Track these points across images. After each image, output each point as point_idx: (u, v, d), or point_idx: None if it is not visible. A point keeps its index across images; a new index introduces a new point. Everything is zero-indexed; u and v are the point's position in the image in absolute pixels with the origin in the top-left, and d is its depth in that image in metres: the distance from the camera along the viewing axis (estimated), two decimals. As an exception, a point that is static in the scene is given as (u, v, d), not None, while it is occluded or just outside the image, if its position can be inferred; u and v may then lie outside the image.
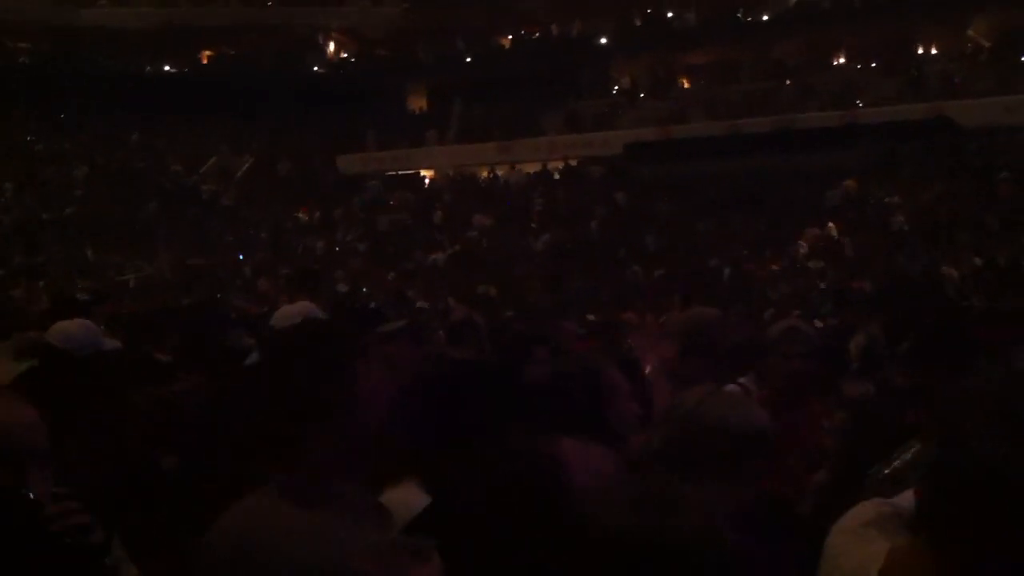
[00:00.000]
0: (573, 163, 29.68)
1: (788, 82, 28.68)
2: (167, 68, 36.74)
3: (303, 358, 2.59)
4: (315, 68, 37.55)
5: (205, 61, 37.44)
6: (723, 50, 30.60)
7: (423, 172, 33.41)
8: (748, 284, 18.68)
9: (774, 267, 20.50)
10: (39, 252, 24.21)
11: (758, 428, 2.41)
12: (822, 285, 17.56)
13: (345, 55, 38.39)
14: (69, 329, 4.14)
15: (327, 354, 2.45)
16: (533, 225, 26.15)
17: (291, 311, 4.28)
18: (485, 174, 31.58)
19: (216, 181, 32.05)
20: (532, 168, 30.52)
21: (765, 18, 30.47)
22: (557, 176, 29.70)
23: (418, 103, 36.85)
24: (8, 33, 35.77)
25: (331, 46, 38.56)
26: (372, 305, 15.48)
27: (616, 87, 33.16)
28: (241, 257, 26.07)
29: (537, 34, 34.87)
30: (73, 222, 27.59)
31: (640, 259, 21.79)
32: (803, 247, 20.98)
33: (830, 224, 21.67)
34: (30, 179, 29.95)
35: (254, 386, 3.60)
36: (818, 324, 9.48)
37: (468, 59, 34.93)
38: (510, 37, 35.33)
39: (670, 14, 32.26)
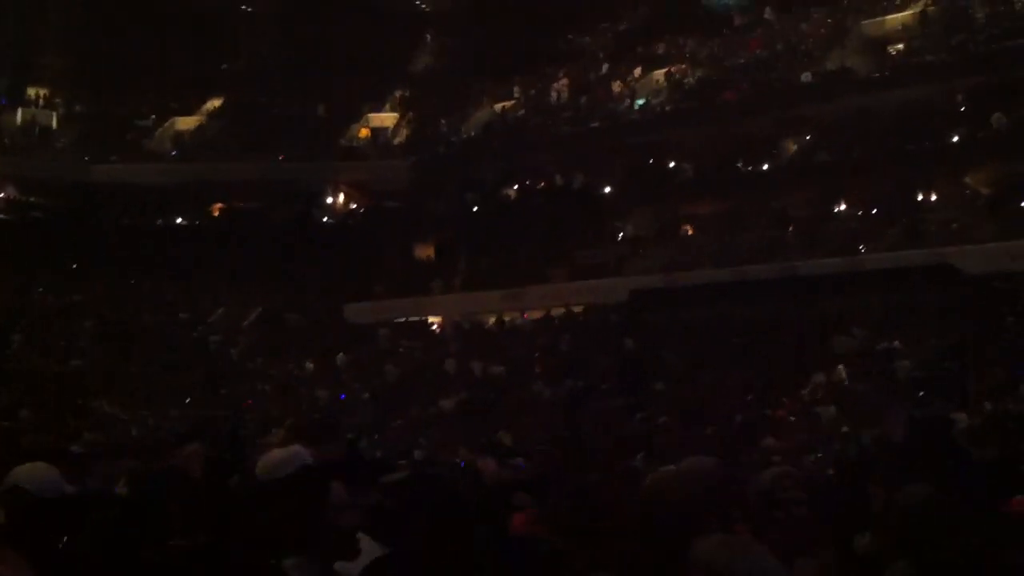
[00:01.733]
0: (578, 310, 29.84)
1: (791, 229, 29.05)
2: (179, 221, 37.41)
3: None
4: (324, 220, 38.26)
5: (216, 214, 38.13)
6: (726, 199, 31.11)
7: (431, 319, 33.60)
8: (757, 430, 18.48)
9: (784, 413, 20.34)
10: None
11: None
12: (844, 429, 17.39)
13: (354, 207, 39.12)
14: (34, 471, 4.07)
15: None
16: (538, 371, 26.12)
17: (279, 457, 4.15)
18: (492, 321, 31.74)
19: (224, 332, 32.20)
20: (538, 315, 30.70)
21: (766, 168, 31.09)
22: (561, 323, 29.81)
23: (425, 252, 37.34)
24: (23, 188, 36.62)
25: (340, 198, 39.33)
26: (378, 454, 15.36)
27: (621, 235, 33.63)
28: (250, 402, 26.00)
29: (542, 184, 35.58)
30: (80, 374, 27.65)
31: (647, 406, 21.64)
32: (812, 392, 20.87)
33: (839, 367, 21.60)
34: (38, 331, 30.18)
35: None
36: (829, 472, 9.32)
37: (474, 209, 35.59)
38: (516, 187, 36.04)
39: (672, 164, 32.96)
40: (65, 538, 3.88)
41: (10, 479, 4.03)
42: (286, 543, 3.62)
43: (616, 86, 36.55)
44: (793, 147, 30.92)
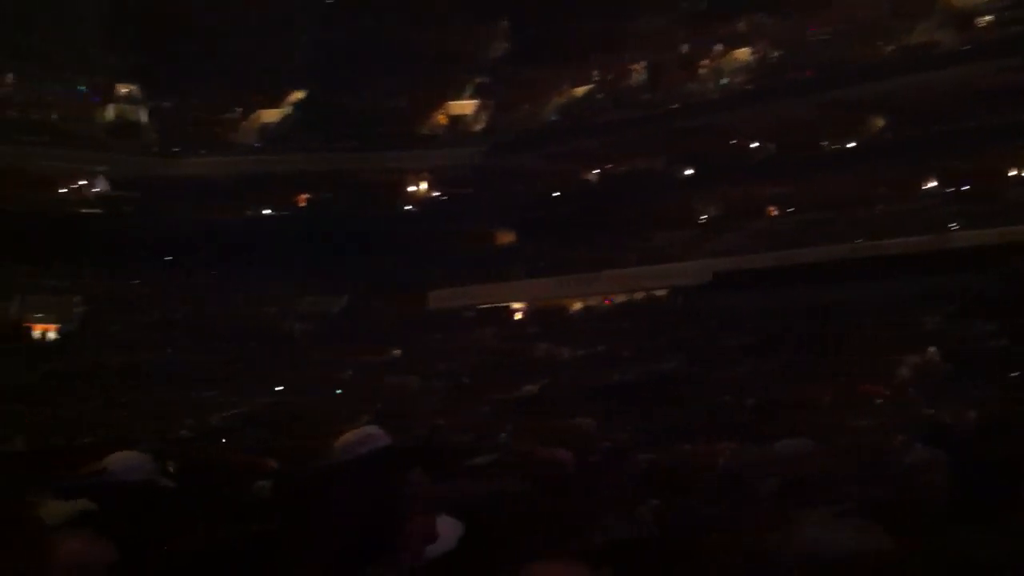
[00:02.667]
0: (661, 293, 29.73)
1: (877, 208, 28.54)
2: (265, 212, 38.15)
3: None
4: (406, 208, 38.66)
5: (301, 205, 38.78)
6: (809, 178, 30.66)
7: (512, 305, 33.77)
8: (847, 411, 18.22)
9: (874, 394, 20.01)
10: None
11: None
12: (931, 411, 17.04)
13: (435, 194, 39.44)
14: (127, 458, 4.20)
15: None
16: (626, 355, 26.05)
17: (353, 438, 4.25)
18: (573, 306, 31.78)
19: (310, 321, 32.77)
20: (620, 299, 30.66)
21: (850, 145, 30.55)
22: (642, 306, 29.73)
23: (506, 238, 37.48)
24: (114, 182, 37.68)
25: (421, 186, 39.68)
26: (462, 439, 15.53)
27: (703, 217, 33.38)
28: (339, 392, 26.44)
29: (622, 168, 35.47)
30: (171, 364, 28.42)
31: (730, 389, 21.47)
32: (904, 373, 20.50)
33: (931, 349, 21.19)
34: (132, 322, 31.12)
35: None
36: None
37: (554, 194, 35.65)
38: (595, 172, 35.96)
39: (754, 144, 32.58)
40: (152, 524, 4.01)
41: (103, 464, 4.18)
42: (362, 523, 3.69)
43: (695, 66, 36.22)
44: (880, 123, 30.33)
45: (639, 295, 30.36)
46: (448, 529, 3.45)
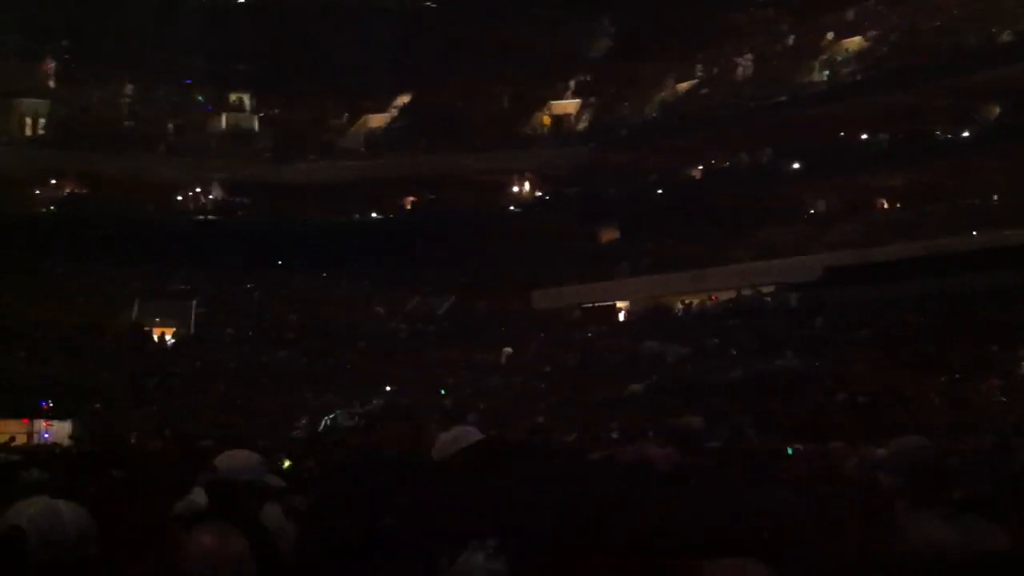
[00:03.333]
0: (767, 289, 29.28)
1: (993, 198, 27.63)
2: (373, 215, 38.78)
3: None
4: (510, 208, 38.87)
5: (408, 207, 39.30)
6: (921, 169, 29.84)
7: (617, 304, 33.66)
8: (963, 408, 17.72)
9: (994, 389, 19.39)
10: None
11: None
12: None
13: (538, 194, 39.56)
14: (235, 457, 4.23)
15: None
16: (734, 352, 25.73)
17: (450, 436, 4.32)
18: (679, 303, 31.52)
19: (416, 322, 33.18)
20: (726, 296, 30.29)
21: (965, 135, 29.63)
22: (751, 303, 29.30)
23: (610, 236, 37.38)
24: (228, 189, 38.75)
25: (525, 186, 39.84)
26: (569, 438, 15.57)
27: (811, 211, 32.76)
28: (443, 393, 26.73)
29: (727, 163, 35.05)
30: (284, 365, 29.15)
31: (844, 385, 21.05)
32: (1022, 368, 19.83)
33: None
34: (248, 325, 31.99)
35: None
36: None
37: (658, 191, 35.41)
38: (700, 167, 35.61)
39: (864, 135, 31.84)
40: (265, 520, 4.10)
41: (213, 464, 4.32)
42: (463, 517, 3.75)
43: (802, 57, 35.58)
44: (995, 111, 29.35)
45: (747, 291, 29.95)
46: None
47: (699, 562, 2.52)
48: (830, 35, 35.42)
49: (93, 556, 2.99)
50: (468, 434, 4.16)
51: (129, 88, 40.84)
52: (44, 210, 36.55)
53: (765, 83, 35.15)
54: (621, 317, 33.09)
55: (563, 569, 3.20)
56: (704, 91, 37.56)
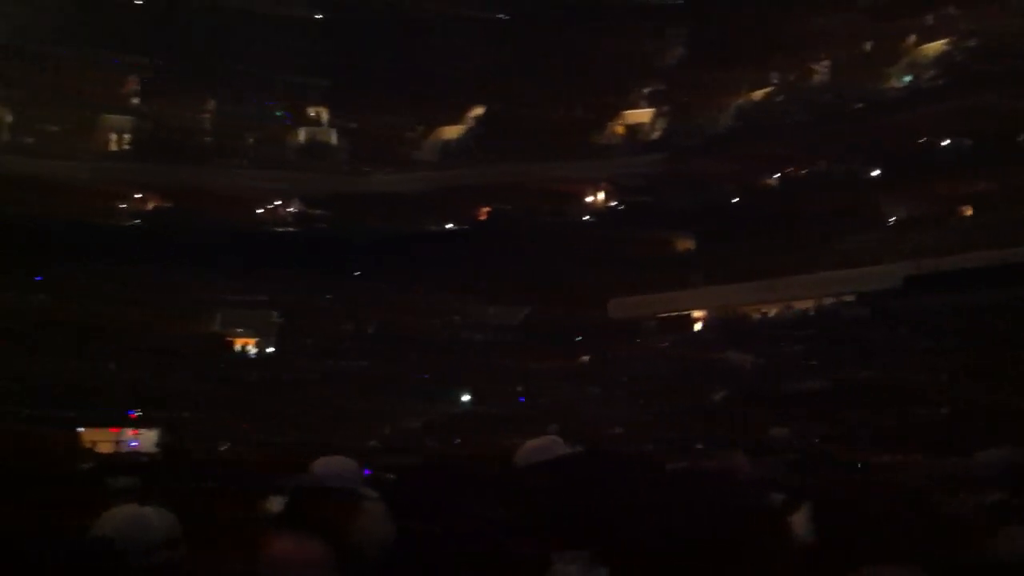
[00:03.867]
0: (847, 298, 28.88)
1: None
2: (448, 226, 39.13)
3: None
4: (584, 218, 38.91)
5: (482, 218, 39.56)
6: (1004, 175, 29.19)
7: (693, 313, 33.46)
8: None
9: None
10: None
11: None
12: None
13: (612, 203, 39.53)
14: (330, 463, 4.19)
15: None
16: (814, 363, 25.45)
17: (535, 446, 4.36)
18: (756, 312, 31.25)
19: (493, 331, 33.34)
20: (803, 305, 29.95)
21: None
22: (830, 312, 28.93)
23: (685, 245, 37.20)
24: (307, 201, 39.45)
25: (599, 196, 39.84)
26: (647, 448, 15.56)
27: (892, 218, 32.24)
28: (522, 400, 26.86)
29: (804, 170, 34.67)
30: (364, 374, 29.52)
31: (925, 396, 20.71)
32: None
33: None
34: (324, 334, 32.47)
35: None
36: None
37: (734, 199, 35.17)
38: (776, 175, 35.28)
39: (944, 142, 31.30)
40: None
41: (311, 468, 4.36)
42: (548, 529, 3.78)
43: (880, 62, 35.07)
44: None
45: (826, 300, 29.57)
46: None
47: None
48: (910, 39, 34.86)
49: (180, 562, 3.13)
50: (554, 445, 4.20)
51: (210, 103, 41.76)
52: (129, 223, 37.54)
53: (843, 89, 34.71)
54: (697, 327, 32.88)
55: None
56: (780, 98, 37.20)
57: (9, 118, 38.00)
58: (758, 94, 38.03)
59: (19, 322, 30.40)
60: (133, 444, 24.38)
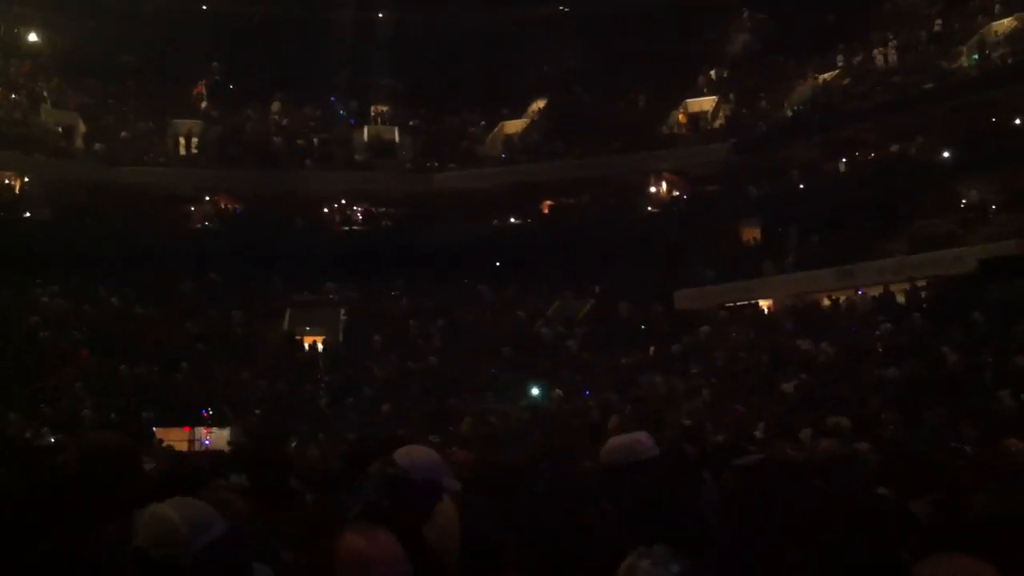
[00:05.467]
0: (921, 284, 28.32)
1: None
2: (512, 221, 39.20)
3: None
4: (649, 209, 38.71)
5: (546, 212, 39.57)
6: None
7: (761, 303, 33.11)
8: None
9: None
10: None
11: None
12: None
13: (677, 194, 39.26)
14: (411, 453, 4.06)
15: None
16: (887, 350, 24.96)
17: (619, 443, 4.31)
18: (826, 301, 30.78)
19: (559, 325, 33.31)
20: (875, 292, 29.42)
21: None
22: (903, 299, 28.38)
23: (752, 234, 36.82)
24: (373, 200, 39.80)
25: (663, 186, 39.60)
26: (720, 439, 15.43)
27: (964, 202, 31.53)
28: (588, 394, 26.80)
29: (873, 155, 34.07)
30: (433, 372, 29.69)
31: (1005, 382, 20.19)
32: None
33: None
34: (397, 332, 32.73)
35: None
36: None
37: (801, 187, 34.70)
38: (844, 160, 34.70)
39: (1018, 120, 30.51)
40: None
41: (394, 458, 4.28)
42: (628, 526, 3.75)
43: (950, 42, 34.30)
44: None
45: (899, 287, 29.01)
46: None
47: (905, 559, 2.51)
48: (979, 17, 34.04)
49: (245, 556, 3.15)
50: (640, 446, 4.15)
51: (276, 106, 42.32)
52: (200, 226, 38.22)
53: (911, 71, 34.02)
54: (768, 316, 32.50)
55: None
56: (847, 81, 36.59)
57: (82, 126, 38.88)
58: (825, 78, 37.44)
59: (94, 326, 31.09)
60: (206, 442, 24.86)
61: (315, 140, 41.42)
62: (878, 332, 25.94)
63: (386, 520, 3.46)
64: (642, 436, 4.37)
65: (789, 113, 37.48)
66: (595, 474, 4.43)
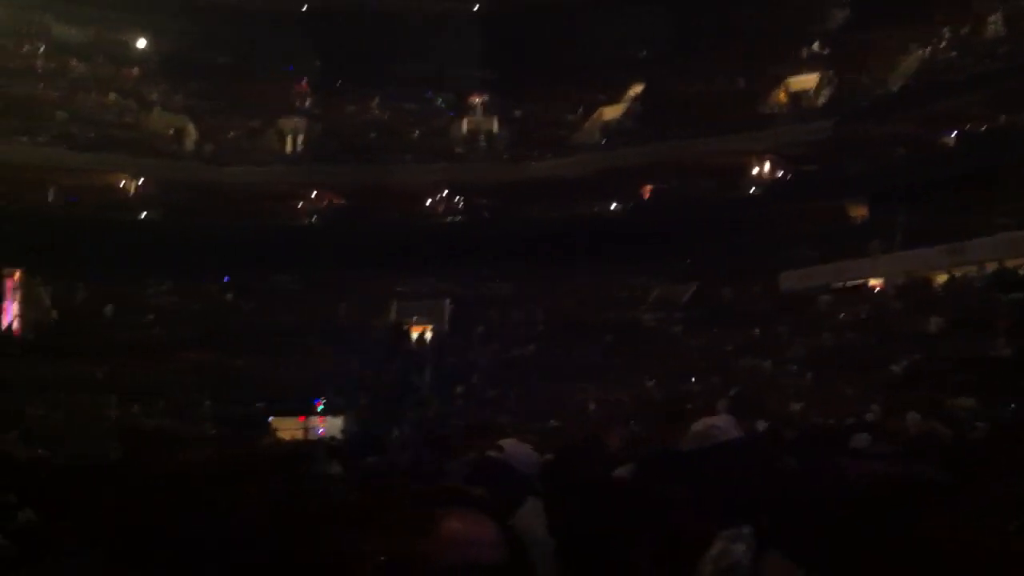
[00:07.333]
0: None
1: None
2: (612, 207, 39.12)
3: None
4: (751, 190, 38.20)
5: (646, 197, 39.34)
6: None
7: (870, 282, 32.44)
8: None
9: None
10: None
11: None
12: None
13: (779, 174, 38.63)
14: (518, 446, 4.30)
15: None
16: (1001, 328, 24.25)
17: (706, 426, 4.33)
18: (938, 278, 30.02)
19: (661, 310, 33.18)
20: (990, 267, 28.57)
21: None
22: (1018, 274, 27.47)
23: (858, 212, 36.04)
24: (462, 191, 40.15)
25: (765, 166, 39.01)
26: (829, 422, 15.25)
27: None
28: (693, 380, 26.69)
29: (983, 127, 33.02)
30: (536, 359, 29.91)
31: None
32: None
33: None
34: (496, 320, 33.04)
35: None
36: None
37: (908, 162, 33.84)
38: (953, 134, 33.72)
39: None
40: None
41: (498, 447, 4.42)
42: (718, 512, 3.77)
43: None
44: None
45: (1014, 263, 28.10)
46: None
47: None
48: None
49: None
50: (724, 428, 4.18)
51: (376, 101, 42.96)
52: (307, 221, 39.16)
53: (1018, 39, 32.83)
54: (875, 295, 31.84)
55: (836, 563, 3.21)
56: (952, 52, 35.49)
57: (191, 128, 40.08)
58: (928, 50, 36.38)
59: (209, 321, 32.16)
60: (320, 431, 25.52)
61: (414, 133, 41.94)
62: (990, 310, 25.25)
63: (477, 505, 3.58)
64: (723, 420, 4.40)
65: (894, 87, 36.52)
66: (675, 458, 4.47)
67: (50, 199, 36.52)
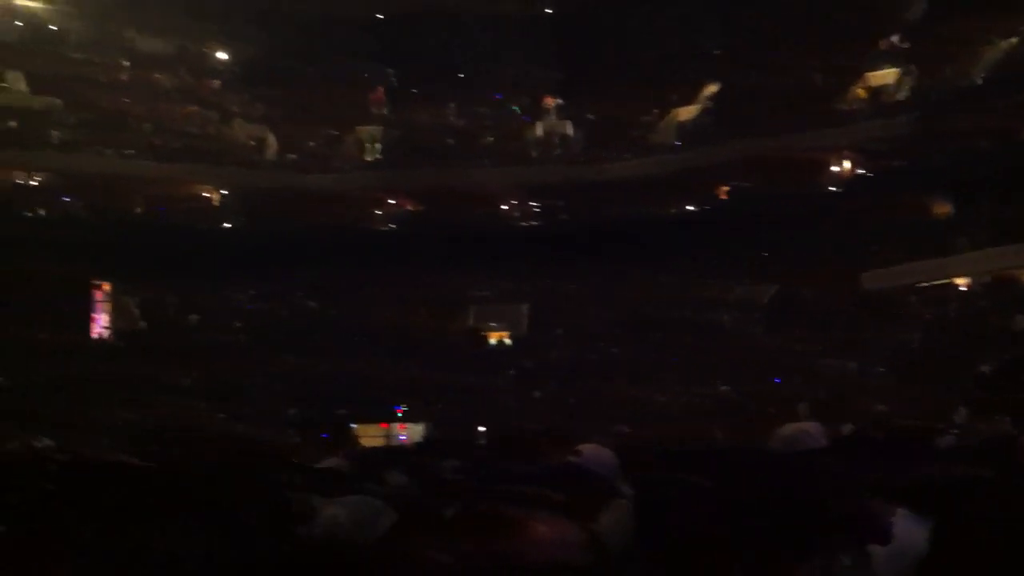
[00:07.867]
0: None
1: None
2: (688, 208, 38.86)
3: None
4: (831, 188, 37.63)
5: (723, 197, 39.01)
6: None
7: (955, 280, 31.76)
8: None
9: None
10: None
11: None
12: None
13: (860, 171, 38.01)
14: (598, 451, 4.22)
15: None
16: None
17: (791, 432, 4.30)
18: (1025, 276, 29.32)
19: (742, 311, 32.88)
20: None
21: None
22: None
23: (942, 209, 35.30)
24: (538, 194, 40.21)
25: (845, 164, 38.41)
26: (915, 425, 15.00)
27: None
28: (777, 381, 26.41)
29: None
30: (614, 360, 29.87)
31: None
32: None
33: None
34: (573, 322, 33.07)
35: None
36: None
37: (992, 156, 33.05)
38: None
39: None
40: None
41: (578, 449, 4.44)
42: (803, 521, 3.73)
43: None
44: None
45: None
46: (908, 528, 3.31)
47: None
48: None
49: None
50: (811, 436, 4.17)
51: (451, 106, 43.26)
52: (386, 227, 39.63)
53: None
54: (962, 294, 31.18)
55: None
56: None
57: (271, 138, 40.81)
58: (1011, 42, 35.47)
59: (290, 326, 32.72)
60: (401, 438, 25.80)
61: (489, 137, 42.14)
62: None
63: (560, 510, 3.62)
64: (813, 427, 4.38)
65: (976, 79, 35.68)
66: (762, 462, 4.46)
67: (137, 210, 37.51)
